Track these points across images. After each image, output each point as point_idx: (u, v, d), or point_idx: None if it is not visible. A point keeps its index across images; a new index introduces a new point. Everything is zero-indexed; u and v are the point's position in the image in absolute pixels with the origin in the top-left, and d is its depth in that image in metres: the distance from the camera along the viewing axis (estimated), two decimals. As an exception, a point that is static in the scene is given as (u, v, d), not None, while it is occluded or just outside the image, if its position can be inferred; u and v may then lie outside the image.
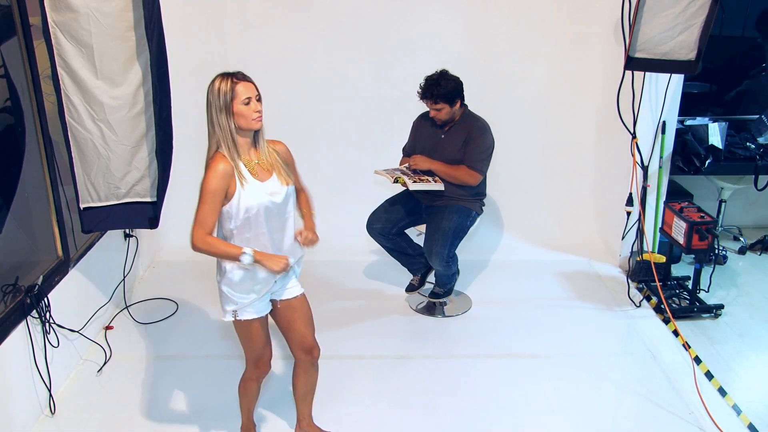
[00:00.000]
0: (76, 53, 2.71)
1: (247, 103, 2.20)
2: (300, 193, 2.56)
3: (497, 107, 4.30)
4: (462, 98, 3.50)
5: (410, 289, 3.90)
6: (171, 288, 4.04)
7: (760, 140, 4.39)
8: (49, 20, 2.67)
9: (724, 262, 4.45)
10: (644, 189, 4.04)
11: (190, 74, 3.96)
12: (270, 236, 2.32)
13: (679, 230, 3.76)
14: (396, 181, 3.47)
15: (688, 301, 3.86)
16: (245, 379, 2.56)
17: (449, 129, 3.57)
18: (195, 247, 2.22)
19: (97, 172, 2.91)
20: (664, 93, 3.92)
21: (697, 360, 3.32)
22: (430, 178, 3.54)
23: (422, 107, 3.64)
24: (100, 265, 3.56)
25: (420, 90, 3.46)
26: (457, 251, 3.63)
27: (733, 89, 4.88)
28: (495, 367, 3.28)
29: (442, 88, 3.39)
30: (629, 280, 4.08)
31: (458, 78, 3.46)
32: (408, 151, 3.80)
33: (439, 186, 3.50)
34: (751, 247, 4.70)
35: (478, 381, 3.17)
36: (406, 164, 3.64)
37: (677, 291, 3.96)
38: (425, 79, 3.46)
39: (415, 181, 3.46)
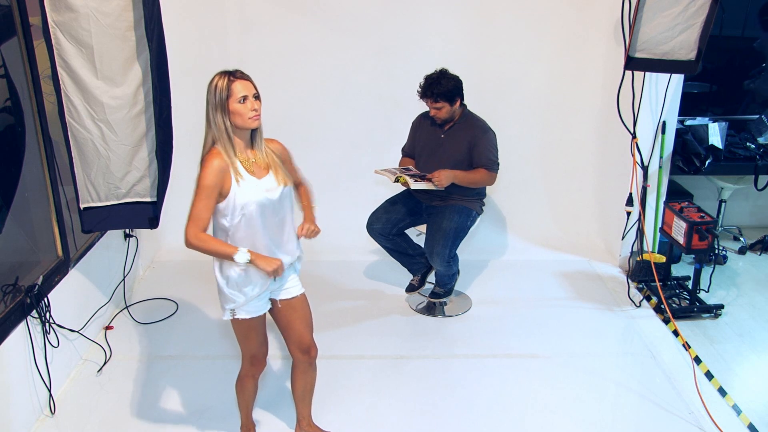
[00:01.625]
0: (76, 53, 2.71)
1: (243, 102, 2.19)
2: (300, 186, 2.55)
3: (497, 107, 4.30)
4: (462, 97, 3.50)
5: (410, 289, 3.89)
6: (171, 288, 4.05)
7: (760, 140, 4.39)
8: (49, 20, 2.67)
9: (724, 262, 4.45)
10: (644, 189, 4.04)
11: (190, 74, 3.96)
12: (265, 234, 2.31)
13: (679, 230, 3.76)
14: (397, 180, 3.45)
15: (688, 301, 3.86)
16: (242, 377, 2.57)
17: (449, 129, 3.57)
18: (189, 244, 2.19)
19: (97, 172, 2.91)
20: (664, 93, 3.92)
21: (697, 360, 3.32)
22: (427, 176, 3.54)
23: (422, 107, 3.64)
24: (100, 265, 3.56)
25: (420, 89, 3.46)
26: (457, 251, 3.63)
27: (733, 89, 4.88)
28: (495, 367, 3.28)
29: (442, 86, 3.39)
30: (629, 280, 4.08)
31: (458, 77, 3.46)
32: (407, 151, 3.80)
33: (436, 187, 3.49)
34: (751, 247, 4.70)
35: (478, 381, 3.17)
36: (420, 173, 3.59)
37: (677, 291, 3.96)
38: (425, 78, 3.46)
39: (416, 180, 3.45)
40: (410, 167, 3.64)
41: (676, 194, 4.37)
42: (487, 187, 3.74)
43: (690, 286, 3.88)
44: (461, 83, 3.47)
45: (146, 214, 3.06)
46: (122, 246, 3.85)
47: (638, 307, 3.86)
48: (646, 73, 3.81)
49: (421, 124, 3.72)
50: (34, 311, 2.81)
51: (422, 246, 3.71)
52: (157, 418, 2.91)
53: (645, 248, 4.09)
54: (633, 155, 4.00)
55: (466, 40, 4.42)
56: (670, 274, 4.05)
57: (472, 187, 3.55)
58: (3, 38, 2.75)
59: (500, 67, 4.48)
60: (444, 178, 3.42)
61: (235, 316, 2.37)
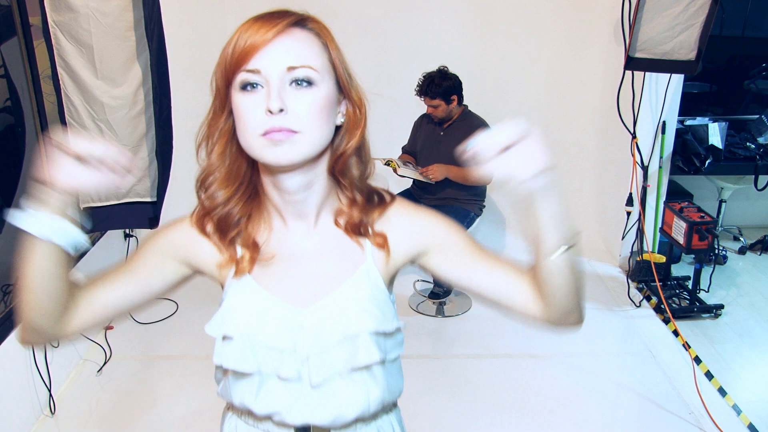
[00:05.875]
0: (76, 53, 2.71)
1: None
2: None
3: (497, 107, 4.30)
4: (460, 96, 3.51)
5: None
6: (171, 288, 4.04)
7: (760, 140, 4.39)
8: (49, 20, 2.67)
9: (724, 262, 4.45)
10: (644, 189, 4.04)
11: (190, 74, 3.96)
12: None
13: (679, 230, 3.76)
14: (387, 164, 3.49)
15: (688, 301, 3.86)
16: None
17: (448, 127, 3.58)
18: None
19: (97, 172, 2.90)
20: (664, 93, 3.92)
21: (697, 360, 3.32)
22: (419, 169, 3.58)
23: (423, 108, 3.65)
24: (100, 265, 3.55)
25: (417, 87, 3.48)
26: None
27: (733, 89, 4.88)
28: (495, 367, 3.28)
29: (437, 85, 3.41)
30: (629, 280, 4.07)
31: (456, 76, 3.47)
32: (408, 150, 3.81)
33: (426, 179, 3.54)
34: (751, 247, 4.70)
35: (478, 381, 3.17)
36: (421, 171, 3.61)
37: (677, 291, 3.96)
38: (423, 75, 3.48)
39: (405, 163, 3.51)
40: (408, 162, 3.66)
41: (676, 194, 4.37)
42: (487, 187, 3.74)
43: (690, 286, 3.88)
44: (459, 82, 3.48)
45: (146, 214, 3.05)
46: (122, 246, 3.85)
47: (638, 307, 3.86)
48: (646, 73, 3.81)
49: (423, 122, 3.74)
50: (34, 311, 2.81)
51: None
52: (157, 418, 2.91)
53: (645, 248, 4.09)
54: (633, 155, 4.00)
55: (466, 40, 4.42)
56: (670, 274, 4.05)
57: (465, 184, 3.54)
58: (3, 38, 2.75)
59: (500, 67, 4.48)
60: (437, 171, 3.45)
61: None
